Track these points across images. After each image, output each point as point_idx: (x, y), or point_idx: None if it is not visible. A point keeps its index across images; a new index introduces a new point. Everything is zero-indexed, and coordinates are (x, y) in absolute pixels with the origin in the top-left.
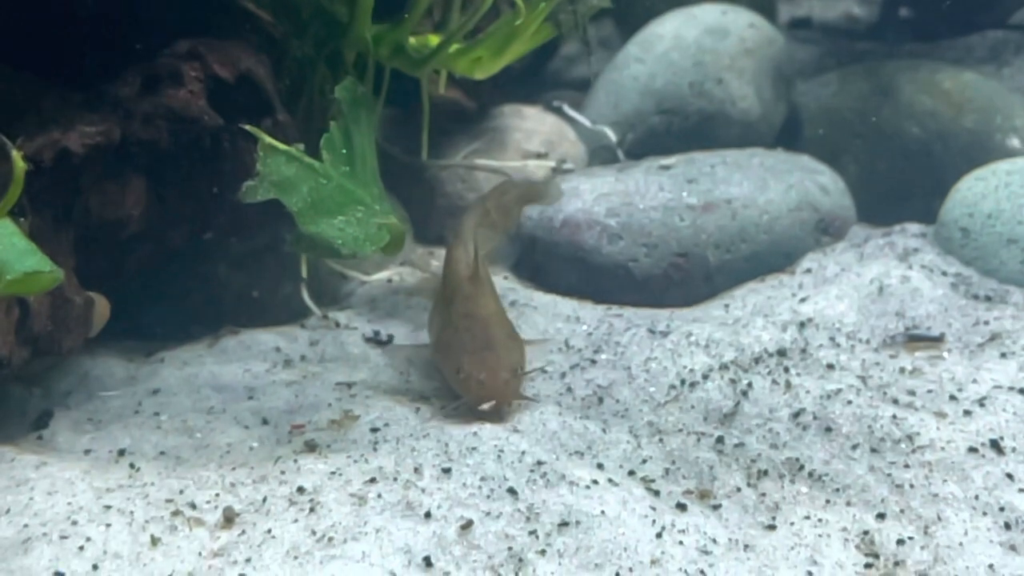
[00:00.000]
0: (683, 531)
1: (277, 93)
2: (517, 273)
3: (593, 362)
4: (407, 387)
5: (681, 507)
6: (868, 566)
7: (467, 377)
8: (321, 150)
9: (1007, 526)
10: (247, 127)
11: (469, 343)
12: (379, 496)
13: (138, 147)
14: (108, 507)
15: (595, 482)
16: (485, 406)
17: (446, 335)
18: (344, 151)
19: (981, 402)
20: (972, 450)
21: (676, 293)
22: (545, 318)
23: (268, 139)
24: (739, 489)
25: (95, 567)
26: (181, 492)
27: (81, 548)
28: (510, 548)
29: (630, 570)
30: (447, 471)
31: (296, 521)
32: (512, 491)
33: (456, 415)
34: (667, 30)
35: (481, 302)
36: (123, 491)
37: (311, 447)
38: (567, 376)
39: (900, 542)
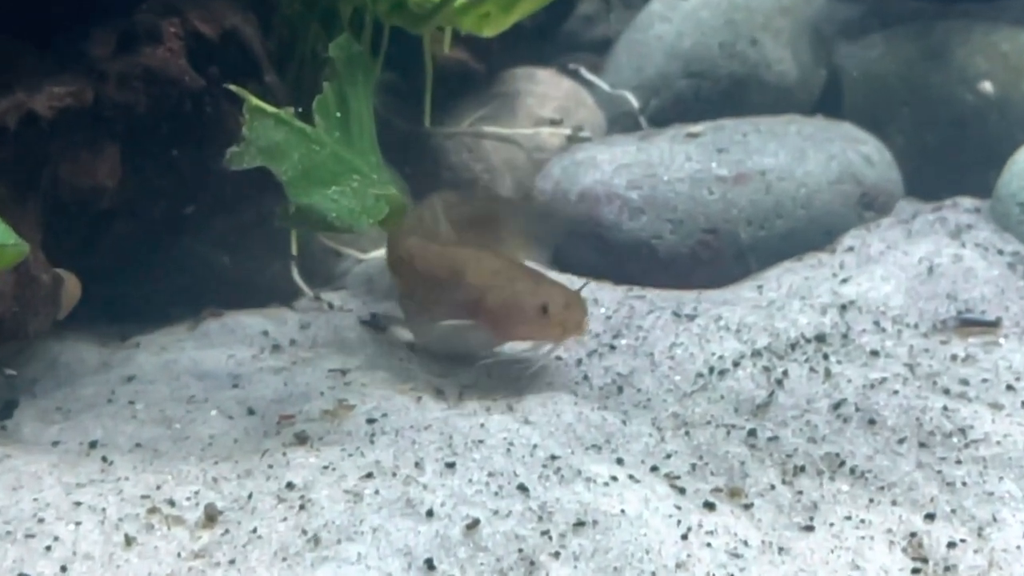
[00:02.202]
0: (711, 532)
1: (265, 52)
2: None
3: (612, 348)
4: (407, 374)
5: (709, 506)
6: (916, 571)
7: (555, 315)
8: (313, 114)
9: None
10: (232, 88)
11: (528, 288)
12: (376, 493)
13: (113, 111)
14: (78, 504)
15: (614, 478)
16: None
17: (484, 295)
18: (339, 115)
19: None
20: None
21: (704, 273)
22: None
23: (255, 101)
24: (773, 487)
25: (64, 569)
26: (158, 488)
27: (48, 548)
28: (520, 550)
29: (652, 574)
30: (451, 466)
31: (285, 520)
32: (523, 488)
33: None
34: None
35: (493, 254)
36: (95, 487)
37: (301, 439)
38: (583, 363)
39: (951, 545)
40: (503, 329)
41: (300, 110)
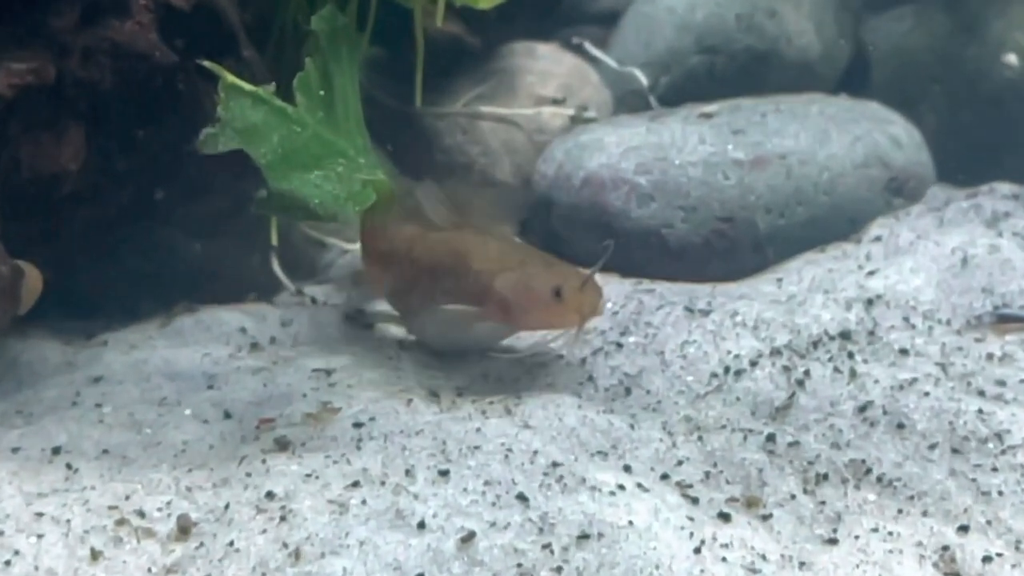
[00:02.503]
0: (726, 546)
1: (242, 25)
2: (526, 240)
3: (619, 346)
4: (397, 375)
5: (724, 517)
6: None
7: (570, 298)
8: (294, 92)
9: None
10: (206, 64)
11: (539, 271)
12: (363, 503)
13: (76, 89)
14: (40, 515)
15: (621, 487)
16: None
17: (485, 280)
18: (322, 94)
19: None
20: None
21: (719, 265)
22: None
23: (231, 78)
24: (793, 496)
25: None
26: (127, 498)
27: (8, 563)
28: (519, 565)
29: None
30: (444, 474)
31: (264, 532)
32: (522, 497)
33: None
34: None
35: (500, 238)
36: (58, 496)
37: (282, 445)
38: (588, 363)
39: (987, 559)
40: (514, 317)
41: (280, 88)
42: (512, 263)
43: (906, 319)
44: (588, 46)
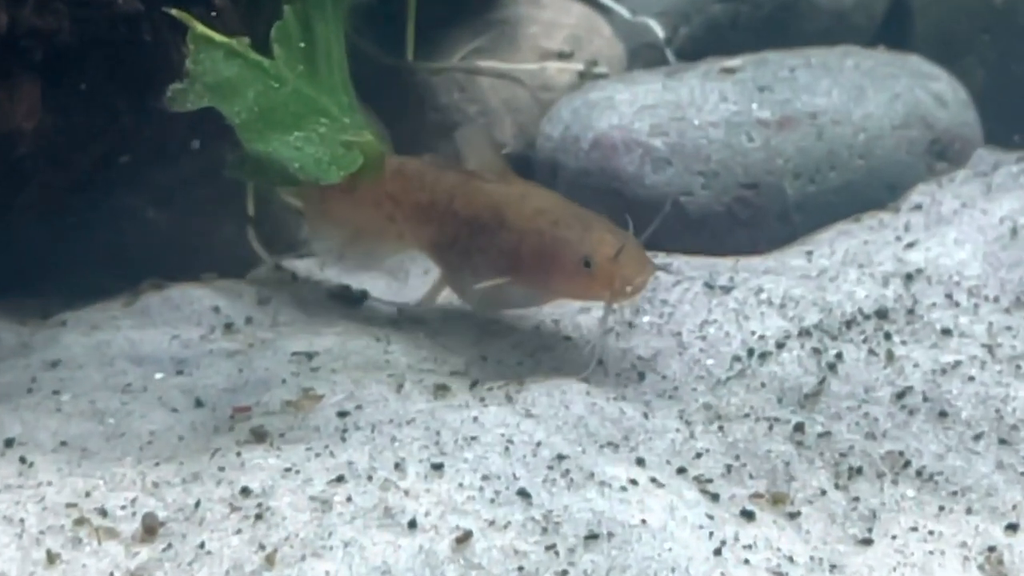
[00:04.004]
0: (749, 547)
1: None
2: None
3: (631, 326)
4: (386, 358)
5: (747, 515)
6: None
7: (601, 270)
8: (272, 44)
9: None
10: (173, 12)
11: (571, 234)
12: (348, 500)
13: (31, 39)
14: None
15: (633, 482)
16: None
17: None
18: (302, 45)
19: None
20: None
21: (742, 236)
22: None
23: (201, 28)
24: (824, 492)
25: None
26: (88, 494)
27: None
28: (521, 568)
29: None
30: (438, 467)
31: (239, 532)
32: (524, 493)
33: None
34: None
35: (545, 193)
36: (11, 493)
37: (259, 436)
38: (598, 345)
39: None
40: (541, 283)
41: (256, 39)
42: (544, 223)
43: (949, 296)
44: None
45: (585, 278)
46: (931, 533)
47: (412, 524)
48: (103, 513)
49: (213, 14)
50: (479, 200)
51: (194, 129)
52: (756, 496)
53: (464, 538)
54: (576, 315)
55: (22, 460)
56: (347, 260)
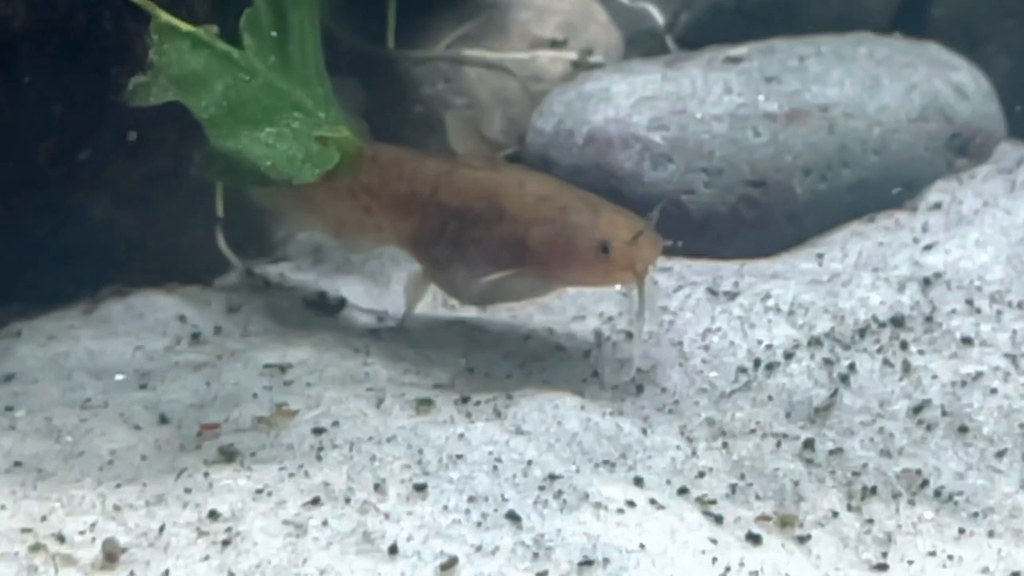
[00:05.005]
0: (756, 573)
1: None
2: None
3: (630, 335)
4: (365, 371)
5: (753, 539)
6: None
7: (620, 254)
8: (241, 32)
9: None
10: None
11: (584, 219)
12: (324, 524)
13: None
14: None
15: (631, 504)
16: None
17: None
18: (274, 34)
19: None
20: None
21: (748, 238)
22: None
23: (166, 17)
24: (836, 514)
25: None
26: (44, 519)
27: None
28: None
29: None
30: (421, 488)
31: (207, 559)
32: (513, 516)
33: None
34: None
35: (541, 177)
36: None
37: (228, 455)
38: (593, 354)
39: None
40: (555, 273)
41: (224, 28)
42: (551, 210)
43: (970, 302)
44: None
45: (604, 264)
46: (950, 558)
47: (393, 550)
48: (60, 539)
49: (178, 1)
50: (471, 189)
51: (159, 124)
52: (763, 518)
53: (449, 564)
54: (569, 323)
55: None
56: (324, 263)
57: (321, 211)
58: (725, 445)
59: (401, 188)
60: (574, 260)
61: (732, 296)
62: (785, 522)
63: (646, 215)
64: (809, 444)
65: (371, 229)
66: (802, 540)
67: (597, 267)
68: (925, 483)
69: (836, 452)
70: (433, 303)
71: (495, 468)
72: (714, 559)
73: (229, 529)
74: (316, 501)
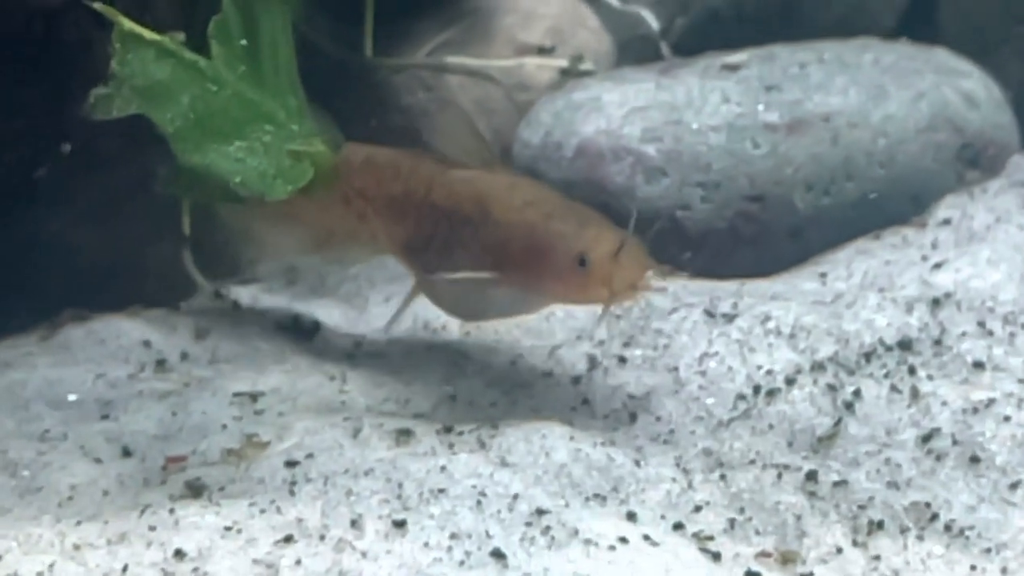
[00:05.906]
0: None
1: None
2: None
3: (622, 360)
4: (341, 399)
5: None
6: None
7: (598, 268)
8: (209, 41)
9: None
10: (97, 6)
11: (565, 228)
12: (297, 563)
13: None
14: None
15: (623, 540)
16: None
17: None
18: (244, 43)
19: None
20: None
21: (747, 255)
22: None
23: (129, 24)
24: (840, 550)
25: None
26: None
27: None
28: None
29: None
30: (400, 525)
31: None
32: (498, 554)
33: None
34: None
35: (533, 184)
36: None
37: (196, 490)
38: (583, 381)
39: None
40: (531, 282)
41: (191, 36)
42: (535, 215)
43: (981, 324)
44: None
45: (580, 277)
46: None
47: None
48: None
49: (143, 8)
50: (461, 190)
51: (124, 137)
52: (763, 555)
53: None
54: (559, 348)
55: None
56: (298, 285)
57: (304, 224)
58: (723, 477)
59: (396, 189)
60: (549, 269)
61: (730, 318)
62: (787, 559)
63: (642, 233)
64: (812, 476)
65: (364, 237)
66: None
67: (573, 280)
68: (935, 517)
69: (840, 484)
70: (413, 326)
71: (479, 503)
72: None
73: (196, 569)
74: (289, 539)
